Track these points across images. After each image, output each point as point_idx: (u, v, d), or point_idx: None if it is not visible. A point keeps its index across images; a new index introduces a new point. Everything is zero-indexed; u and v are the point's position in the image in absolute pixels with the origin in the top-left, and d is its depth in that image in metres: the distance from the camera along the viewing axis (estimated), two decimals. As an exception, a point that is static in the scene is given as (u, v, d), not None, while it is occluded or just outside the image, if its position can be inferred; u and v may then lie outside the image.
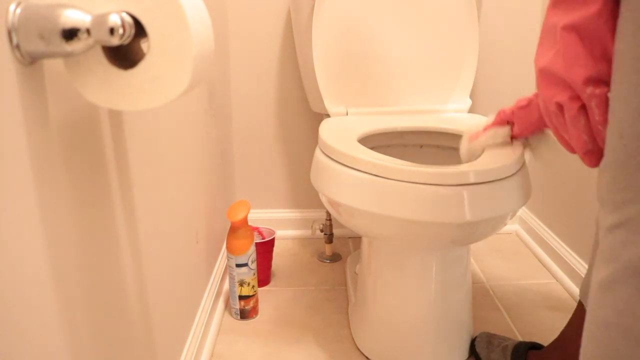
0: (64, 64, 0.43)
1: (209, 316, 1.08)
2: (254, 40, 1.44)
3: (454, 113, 1.22)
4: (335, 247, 1.52)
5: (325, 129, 1.05)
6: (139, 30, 0.41)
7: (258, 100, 1.49)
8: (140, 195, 0.66)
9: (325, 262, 1.45)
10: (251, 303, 1.18)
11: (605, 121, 0.56)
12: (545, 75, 0.60)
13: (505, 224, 0.90)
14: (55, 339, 0.44)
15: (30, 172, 0.40)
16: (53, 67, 0.44)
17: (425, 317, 0.97)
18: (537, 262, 1.43)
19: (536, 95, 0.83)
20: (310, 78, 1.27)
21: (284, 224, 1.59)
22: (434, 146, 1.18)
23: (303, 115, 1.50)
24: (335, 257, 1.46)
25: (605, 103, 0.56)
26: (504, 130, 0.90)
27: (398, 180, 0.82)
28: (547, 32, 0.60)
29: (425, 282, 0.96)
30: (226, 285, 1.28)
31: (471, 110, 1.50)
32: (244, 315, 1.18)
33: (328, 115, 1.25)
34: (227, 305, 1.24)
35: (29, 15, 0.37)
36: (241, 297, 1.16)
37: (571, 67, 0.56)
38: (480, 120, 0.95)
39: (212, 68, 1.19)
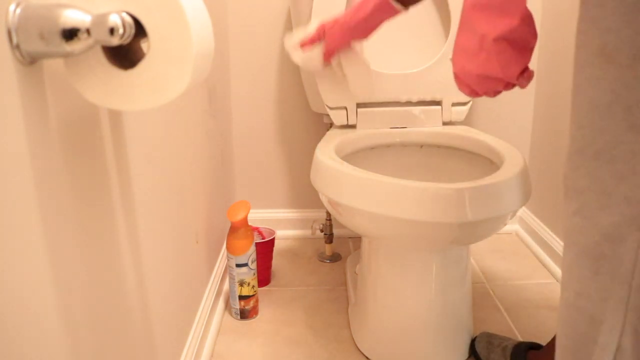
0: (64, 64, 0.43)
1: (209, 316, 1.08)
2: (254, 40, 1.44)
3: (455, 107, 1.22)
4: (335, 247, 1.52)
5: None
6: (139, 30, 0.41)
7: (258, 100, 1.49)
8: (140, 195, 0.66)
9: (325, 262, 1.45)
10: (251, 303, 1.18)
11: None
12: (481, 79, 0.69)
13: (505, 224, 0.90)
14: (54, 339, 0.44)
15: (31, 172, 0.40)
16: (53, 67, 0.44)
17: (425, 317, 0.97)
18: (537, 262, 1.43)
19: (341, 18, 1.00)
20: (310, 78, 1.27)
21: (284, 224, 1.59)
22: (434, 146, 1.18)
23: (303, 115, 1.50)
24: (335, 257, 1.46)
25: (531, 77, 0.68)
26: (317, 52, 1.03)
27: (398, 181, 0.82)
28: (470, 37, 0.67)
29: (425, 282, 0.96)
30: (226, 285, 1.28)
31: (471, 110, 1.50)
32: (244, 315, 1.18)
33: (328, 116, 1.25)
34: (227, 305, 1.24)
35: (29, 15, 0.37)
36: (241, 297, 1.16)
37: (506, 68, 0.65)
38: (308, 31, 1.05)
39: (212, 68, 1.19)
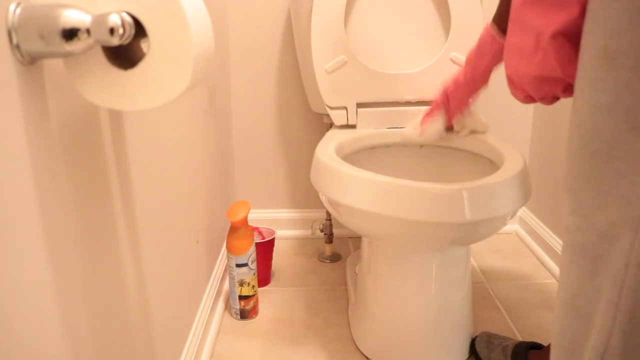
0: (64, 64, 0.43)
1: (209, 316, 1.08)
2: (254, 41, 1.44)
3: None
4: (335, 247, 1.52)
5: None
6: (139, 30, 0.41)
7: (258, 100, 1.49)
8: (140, 195, 0.66)
9: (325, 262, 1.45)
10: (251, 303, 1.18)
11: None
12: (538, 82, 0.63)
13: (505, 224, 0.90)
14: (54, 339, 0.44)
15: (31, 171, 0.40)
16: (53, 67, 0.44)
17: (425, 317, 0.97)
18: (537, 262, 1.43)
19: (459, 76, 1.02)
20: (310, 78, 1.27)
21: (284, 224, 1.59)
22: (434, 146, 1.18)
23: (303, 115, 1.50)
24: (335, 257, 1.46)
25: None
26: (439, 121, 1.08)
27: (398, 181, 0.82)
28: (524, 36, 0.62)
29: (425, 282, 0.96)
30: (226, 285, 1.28)
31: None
32: (244, 315, 1.18)
33: (328, 116, 1.25)
34: (227, 305, 1.24)
35: (29, 15, 0.37)
36: (241, 297, 1.16)
37: (566, 66, 0.59)
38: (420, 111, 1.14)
39: (212, 68, 1.19)
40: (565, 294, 0.55)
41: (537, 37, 0.60)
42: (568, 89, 0.62)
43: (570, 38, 0.58)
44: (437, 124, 1.08)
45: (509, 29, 0.65)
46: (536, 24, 0.60)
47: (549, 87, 0.63)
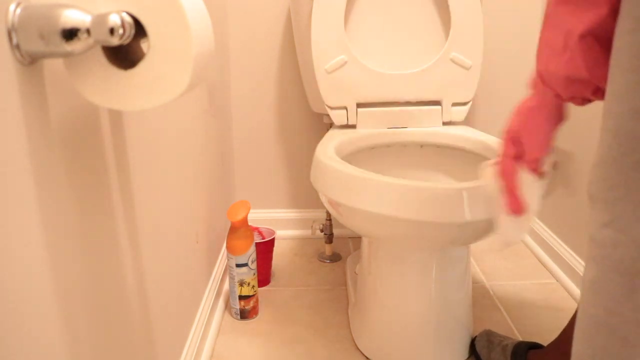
0: (64, 64, 0.43)
1: (209, 316, 1.08)
2: (254, 40, 1.44)
3: (455, 107, 1.23)
4: (335, 247, 1.52)
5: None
6: (139, 30, 0.41)
7: (258, 100, 1.49)
8: (140, 195, 0.66)
9: (325, 262, 1.45)
10: (251, 303, 1.18)
11: None
12: (567, 82, 0.60)
13: (505, 224, 0.90)
14: (55, 339, 0.44)
15: (31, 172, 0.40)
16: (53, 67, 0.44)
17: (425, 317, 0.97)
18: (537, 262, 1.43)
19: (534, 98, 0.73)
20: (310, 78, 1.27)
21: (284, 224, 1.59)
22: (434, 146, 1.18)
23: (303, 115, 1.50)
24: (335, 257, 1.46)
25: None
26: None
27: (398, 181, 0.82)
28: (555, 33, 0.59)
29: (425, 282, 0.96)
30: (226, 285, 1.28)
31: (471, 110, 1.50)
32: (244, 315, 1.18)
33: (328, 116, 1.25)
34: (227, 305, 1.24)
35: (29, 15, 0.37)
36: (241, 297, 1.16)
37: (593, 68, 0.57)
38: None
39: (212, 68, 1.19)
40: (597, 312, 0.51)
41: (566, 36, 0.57)
42: (598, 92, 0.59)
43: (600, 39, 0.55)
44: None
45: (542, 25, 0.63)
46: (566, 22, 0.57)
47: (577, 88, 0.60)
